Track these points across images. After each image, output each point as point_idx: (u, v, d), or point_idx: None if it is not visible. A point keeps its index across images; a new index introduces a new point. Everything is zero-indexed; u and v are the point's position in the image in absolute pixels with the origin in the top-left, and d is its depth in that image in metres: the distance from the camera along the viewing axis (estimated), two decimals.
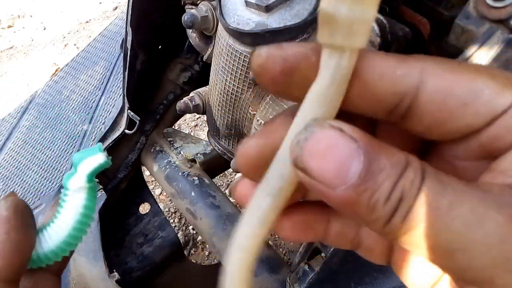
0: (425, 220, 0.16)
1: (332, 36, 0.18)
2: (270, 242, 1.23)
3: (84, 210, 0.28)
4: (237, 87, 0.62)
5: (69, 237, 0.28)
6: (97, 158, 0.28)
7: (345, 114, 0.20)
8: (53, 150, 0.94)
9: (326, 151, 0.17)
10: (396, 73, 0.19)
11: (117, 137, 0.86)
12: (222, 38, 0.61)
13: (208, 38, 0.74)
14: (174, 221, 1.42)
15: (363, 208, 0.17)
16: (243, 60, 0.59)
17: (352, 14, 0.18)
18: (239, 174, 1.53)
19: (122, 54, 0.85)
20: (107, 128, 0.88)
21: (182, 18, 0.65)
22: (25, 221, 0.27)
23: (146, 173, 1.26)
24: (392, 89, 0.19)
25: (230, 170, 0.80)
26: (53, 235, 0.28)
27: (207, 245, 1.33)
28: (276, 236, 1.37)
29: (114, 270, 0.73)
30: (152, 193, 1.00)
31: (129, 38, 0.80)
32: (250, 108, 0.64)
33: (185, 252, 1.31)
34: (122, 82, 0.85)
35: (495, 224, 0.16)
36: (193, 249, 1.35)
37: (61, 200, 0.28)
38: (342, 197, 0.17)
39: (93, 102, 1.00)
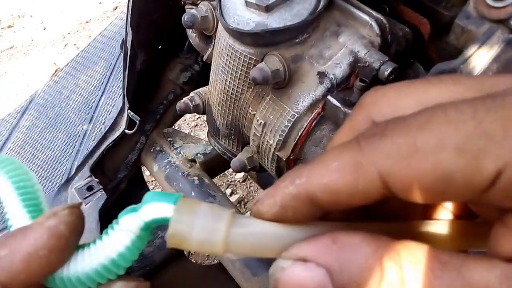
0: None
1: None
2: None
3: (116, 257, 0.23)
4: (237, 87, 0.62)
5: (85, 276, 0.23)
6: (166, 210, 0.23)
7: None
8: (53, 150, 0.94)
9: None
10: (359, 189, 0.18)
11: (117, 137, 0.86)
12: (222, 38, 0.61)
13: (208, 38, 0.74)
14: None
15: None
16: (243, 60, 0.59)
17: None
18: (239, 174, 1.53)
19: (122, 54, 0.85)
20: (107, 128, 0.88)
21: (182, 18, 0.65)
22: (73, 243, 0.23)
23: (146, 173, 1.26)
24: (366, 199, 0.19)
25: (230, 170, 0.80)
26: (72, 265, 0.23)
27: None
28: None
29: None
30: None
31: (129, 38, 0.80)
32: (250, 108, 0.64)
33: (185, 252, 1.31)
34: (122, 82, 0.85)
35: None
36: None
37: (106, 230, 0.24)
38: None
39: (93, 102, 1.00)
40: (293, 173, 0.20)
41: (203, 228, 0.21)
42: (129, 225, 0.23)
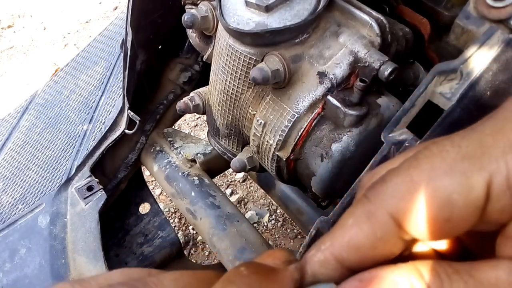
0: None
1: None
2: (270, 242, 1.24)
3: None
4: (237, 87, 0.62)
5: None
6: None
7: None
8: (53, 150, 0.94)
9: None
10: (379, 237, 0.20)
11: (117, 137, 0.86)
12: (222, 38, 0.61)
13: (208, 38, 0.74)
14: (174, 221, 1.42)
15: None
16: (243, 60, 0.59)
17: None
18: (239, 174, 1.53)
19: (122, 54, 0.85)
20: (107, 128, 0.88)
21: (182, 18, 0.65)
22: None
23: (146, 173, 1.26)
24: (390, 245, 0.20)
25: (230, 170, 0.80)
26: None
27: (207, 245, 1.33)
28: (277, 236, 1.37)
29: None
30: (152, 193, 1.00)
31: (129, 38, 0.80)
32: (250, 108, 0.64)
33: (185, 252, 1.31)
34: (122, 82, 0.85)
35: None
36: (193, 249, 1.35)
37: None
38: None
39: (93, 102, 1.00)
40: (318, 242, 0.22)
41: None
42: None
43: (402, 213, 0.19)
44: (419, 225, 0.19)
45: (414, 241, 0.21)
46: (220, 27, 0.61)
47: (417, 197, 0.19)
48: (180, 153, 0.90)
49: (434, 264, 0.19)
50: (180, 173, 0.87)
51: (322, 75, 0.56)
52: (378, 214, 0.20)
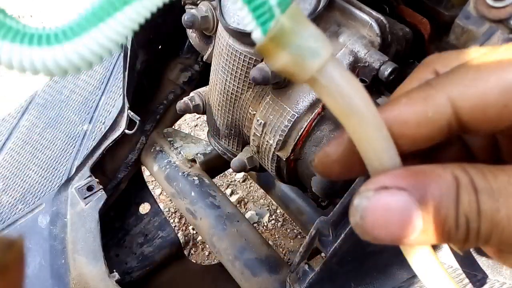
0: (494, 234, 0.19)
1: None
2: (270, 242, 1.24)
3: None
4: (237, 87, 0.62)
5: None
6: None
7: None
8: (53, 150, 0.94)
9: (384, 220, 0.19)
10: (429, 116, 0.20)
11: (117, 137, 0.86)
12: (222, 38, 0.61)
13: (208, 38, 0.74)
14: (174, 221, 1.42)
15: (438, 241, 0.19)
16: (243, 60, 0.59)
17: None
18: (239, 174, 1.53)
19: (122, 54, 0.85)
20: (107, 128, 0.88)
21: (182, 18, 0.65)
22: None
23: (146, 173, 1.26)
24: (434, 129, 0.21)
25: (230, 170, 0.80)
26: None
27: (207, 245, 1.33)
28: (277, 236, 1.38)
29: (114, 270, 0.73)
30: (152, 193, 1.00)
31: (129, 38, 0.80)
32: (250, 108, 0.64)
33: (185, 252, 1.31)
34: (122, 82, 0.85)
35: None
36: (193, 249, 1.35)
37: None
38: (415, 241, 0.19)
39: (93, 102, 1.00)
40: None
41: (311, 38, 0.18)
42: None
43: (462, 97, 0.20)
44: (476, 110, 0.20)
45: (458, 133, 0.21)
46: (220, 27, 0.61)
47: (481, 85, 0.19)
48: (180, 153, 0.90)
49: (479, 164, 0.20)
50: (180, 173, 0.87)
51: None
52: (436, 97, 0.20)
